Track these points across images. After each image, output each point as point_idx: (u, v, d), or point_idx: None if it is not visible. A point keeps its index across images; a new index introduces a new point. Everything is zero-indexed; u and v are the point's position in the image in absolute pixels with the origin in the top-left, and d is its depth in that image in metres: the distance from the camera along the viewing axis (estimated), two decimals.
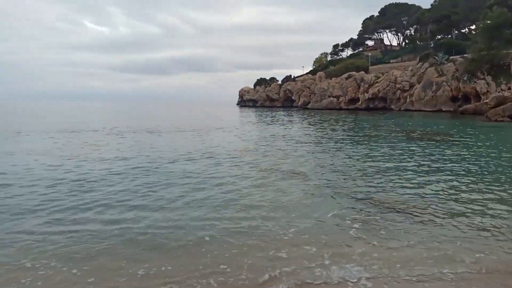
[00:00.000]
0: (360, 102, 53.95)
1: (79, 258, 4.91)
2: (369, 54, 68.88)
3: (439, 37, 62.23)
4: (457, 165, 11.20)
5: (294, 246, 5.29)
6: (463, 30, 63.27)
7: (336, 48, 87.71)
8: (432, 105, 43.99)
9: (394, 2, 77.91)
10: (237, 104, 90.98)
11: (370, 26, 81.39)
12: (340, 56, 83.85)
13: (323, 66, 73.95)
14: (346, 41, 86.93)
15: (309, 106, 61.84)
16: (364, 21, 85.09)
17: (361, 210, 6.91)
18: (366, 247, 5.22)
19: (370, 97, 52.35)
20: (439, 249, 5.10)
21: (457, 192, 8.06)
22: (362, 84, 54.35)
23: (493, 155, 13.18)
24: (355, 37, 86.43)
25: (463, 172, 10.16)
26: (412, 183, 8.93)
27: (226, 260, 4.86)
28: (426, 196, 7.79)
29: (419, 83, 46.33)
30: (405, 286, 4.23)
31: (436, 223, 6.14)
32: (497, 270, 4.54)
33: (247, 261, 4.82)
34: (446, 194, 7.90)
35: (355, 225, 6.10)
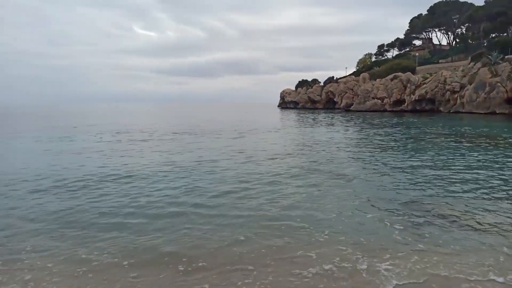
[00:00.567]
0: (406, 104, 52.07)
1: (125, 252, 5.22)
2: (417, 54, 66.30)
3: (493, 35, 58.65)
4: (510, 172, 10.56)
5: (328, 247, 5.29)
6: None
7: (381, 49, 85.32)
8: (484, 107, 41.53)
9: (444, 0, 74.49)
10: (278, 106, 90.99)
11: (418, 25, 78.40)
12: (385, 57, 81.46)
13: (367, 67, 72.21)
14: (391, 41, 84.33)
15: (351, 108, 60.58)
16: (411, 20, 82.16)
17: (403, 214, 6.74)
18: (405, 251, 5.10)
19: (416, 98, 50.35)
20: (482, 257, 4.88)
21: (509, 202, 7.61)
22: (408, 85, 52.42)
23: None
24: (402, 36, 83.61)
25: None
26: (459, 189, 8.55)
27: (254, 259, 4.95)
28: (473, 202, 7.43)
29: (471, 84, 43.88)
30: None
31: (481, 231, 5.86)
32: None
33: (276, 260, 4.88)
34: (495, 203, 7.49)
35: (396, 229, 5.97)
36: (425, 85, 49.95)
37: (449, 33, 76.61)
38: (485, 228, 5.97)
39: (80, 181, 9.60)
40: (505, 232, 5.77)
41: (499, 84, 40.77)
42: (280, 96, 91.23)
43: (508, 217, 6.52)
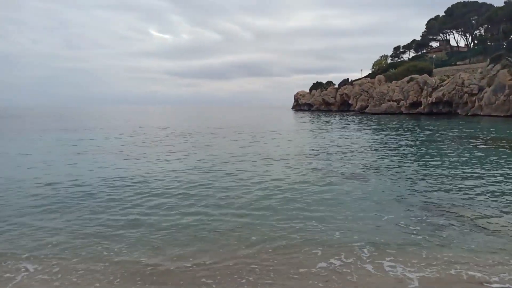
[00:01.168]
0: (422, 107, 51.31)
1: (145, 245, 5.36)
2: (433, 56, 65.31)
3: None
4: None
5: (342, 246, 5.31)
6: None
7: (397, 50, 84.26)
8: (503, 110, 40.64)
9: (462, 1, 73.21)
10: (292, 108, 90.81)
11: (435, 26, 77.14)
12: (401, 59, 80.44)
13: (382, 69, 71.44)
14: (408, 43, 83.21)
15: (366, 110, 60.03)
16: (428, 21, 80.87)
17: (420, 215, 6.70)
18: (422, 252, 5.09)
19: (433, 101, 49.57)
20: (500, 260, 4.84)
21: None
22: (425, 87, 51.66)
23: None
24: (418, 38, 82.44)
25: None
26: (477, 192, 8.44)
27: (259, 259, 5.01)
28: (491, 206, 7.34)
29: (490, 86, 43.01)
30: None
31: (499, 234, 5.79)
32: None
33: (288, 259, 4.93)
34: None
35: (413, 230, 5.96)
36: (442, 87, 49.15)
37: (467, 35, 75.21)
38: (504, 231, 5.90)
39: (102, 182, 9.85)
40: None
41: None
42: (294, 98, 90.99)
43: None
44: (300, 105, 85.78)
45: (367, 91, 64.03)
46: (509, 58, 42.29)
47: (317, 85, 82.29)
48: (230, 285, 4.30)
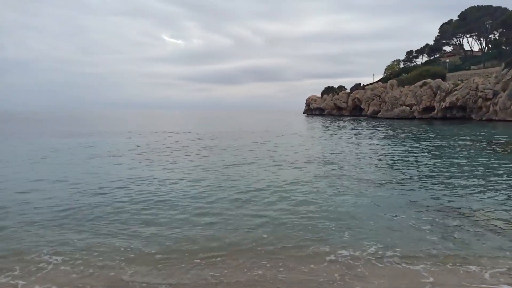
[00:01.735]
0: (435, 111, 50.80)
1: (160, 242, 5.55)
2: (447, 60, 64.67)
3: None
4: None
5: (353, 245, 5.41)
6: None
7: (410, 55, 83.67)
8: None
9: (476, 5, 72.42)
10: (303, 113, 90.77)
11: (449, 30, 76.40)
12: (414, 63, 79.86)
13: (395, 73, 70.99)
14: (421, 47, 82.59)
15: (379, 115, 59.65)
16: (441, 25, 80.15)
17: (432, 217, 6.74)
18: (435, 254, 5.15)
19: (447, 106, 49.05)
20: None
21: None
22: (438, 92, 51.16)
23: None
24: (431, 42, 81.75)
25: None
26: (493, 196, 8.42)
27: (279, 255, 5.12)
28: (508, 209, 7.33)
29: (504, 91, 42.40)
30: None
31: None
32: None
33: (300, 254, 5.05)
34: None
35: (425, 230, 6.00)
36: (456, 92, 48.62)
37: (481, 39, 74.27)
38: None
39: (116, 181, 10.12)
40: None
41: None
42: (306, 103, 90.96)
43: None
44: (312, 109, 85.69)
45: (379, 96, 63.65)
46: None
47: (328, 90, 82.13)
48: (241, 278, 4.44)
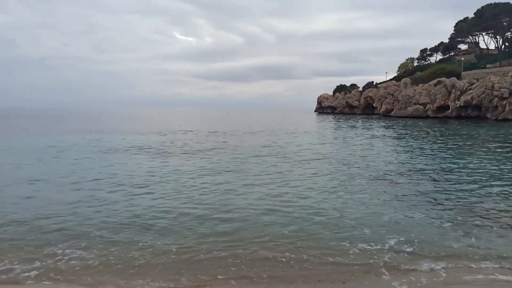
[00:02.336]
0: (450, 110, 50.14)
1: (176, 233, 5.71)
2: (462, 58, 63.80)
3: None
4: None
5: (374, 240, 5.49)
6: None
7: (424, 53, 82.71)
8: None
9: (492, 3, 71.14)
10: (315, 111, 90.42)
11: (464, 28, 75.28)
12: (428, 61, 78.94)
13: (408, 72, 70.29)
14: (435, 46, 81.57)
15: (392, 113, 59.12)
16: (457, 23, 79.02)
17: (451, 214, 6.77)
18: (454, 252, 5.19)
19: (462, 104, 48.36)
20: None
21: None
22: (453, 90, 50.47)
23: None
24: (446, 40, 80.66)
25: None
26: (508, 197, 8.38)
27: (294, 246, 5.24)
28: None
29: None
30: None
31: None
32: None
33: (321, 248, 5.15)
34: None
35: (443, 227, 6.05)
36: (471, 91, 47.90)
37: (498, 37, 72.99)
38: None
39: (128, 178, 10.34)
40: None
41: None
42: (317, 101, 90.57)
43: None
44: (323, 108, 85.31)
45: (392, 94, 63.05)
46: None
47: (340, 88, 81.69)
48: (265, 268, 4.56)
